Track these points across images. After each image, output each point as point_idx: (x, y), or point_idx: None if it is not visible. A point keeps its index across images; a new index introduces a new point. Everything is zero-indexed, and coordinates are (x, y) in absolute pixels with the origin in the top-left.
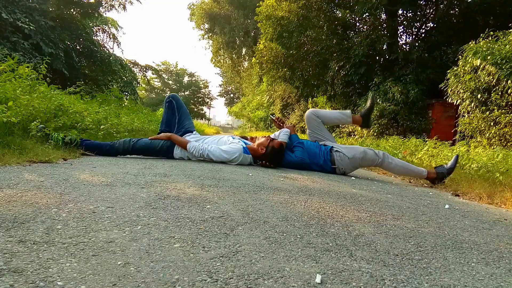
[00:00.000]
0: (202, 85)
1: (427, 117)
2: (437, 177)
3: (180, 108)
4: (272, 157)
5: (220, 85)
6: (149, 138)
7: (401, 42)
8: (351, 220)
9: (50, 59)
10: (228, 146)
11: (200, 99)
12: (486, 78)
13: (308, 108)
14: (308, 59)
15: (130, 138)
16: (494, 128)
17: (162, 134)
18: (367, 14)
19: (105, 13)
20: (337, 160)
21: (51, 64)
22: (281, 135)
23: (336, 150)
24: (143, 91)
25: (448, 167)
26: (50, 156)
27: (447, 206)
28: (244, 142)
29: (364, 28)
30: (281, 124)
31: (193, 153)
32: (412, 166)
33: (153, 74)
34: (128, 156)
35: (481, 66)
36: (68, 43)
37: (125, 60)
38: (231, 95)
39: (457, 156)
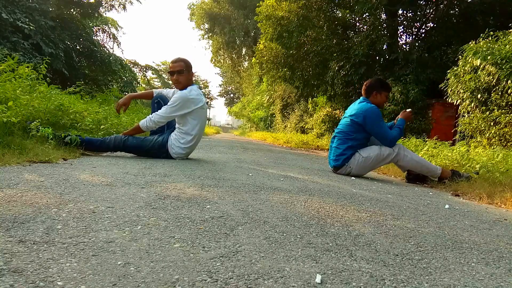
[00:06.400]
0: (202, 85)
1: (427, 117)
2: (449, 178)
3: None
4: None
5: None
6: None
7: (401, 42)
8: (351, 220)
9: (50, 59)
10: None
11: None
12: (486, 78)
13: (308, 108)
14: (308, 59)
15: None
16: (494, 128)
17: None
18: (367, 14)
19: (105, 13)
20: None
21: (51, 64)
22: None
23: (357, 153)
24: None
25: (462, 176)
26: (50, 156)
27: (447, 206)
28: None
29: (364, 28)
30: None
31: (147, 126)
32: (427, 162)
33: (153, 74)
34: (128, 156)
35: (481, 66)
36: (68, 43)
37: (125, 60)
38: (231, 95)
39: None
